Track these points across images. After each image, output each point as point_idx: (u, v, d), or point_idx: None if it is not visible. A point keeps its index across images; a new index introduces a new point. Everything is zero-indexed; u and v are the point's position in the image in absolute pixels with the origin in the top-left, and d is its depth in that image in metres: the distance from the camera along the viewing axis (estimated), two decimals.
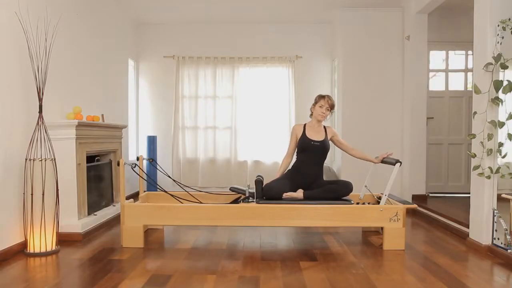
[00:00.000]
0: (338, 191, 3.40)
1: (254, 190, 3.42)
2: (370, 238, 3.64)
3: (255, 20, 6.05)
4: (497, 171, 3.13)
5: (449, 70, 5.62)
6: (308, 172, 3.53)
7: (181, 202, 3.58)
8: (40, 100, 3.13)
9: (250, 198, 3.47)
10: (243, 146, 6.21)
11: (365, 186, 3.80)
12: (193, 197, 3.83)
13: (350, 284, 2.52)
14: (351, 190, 3.44)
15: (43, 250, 3.08)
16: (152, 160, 4.11)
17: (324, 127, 3.68)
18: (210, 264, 2.89)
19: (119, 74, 5.38)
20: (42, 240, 3.07)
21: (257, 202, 3.32)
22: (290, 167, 3.70)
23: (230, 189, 3.59)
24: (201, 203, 3.67)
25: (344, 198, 3.41)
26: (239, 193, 3.54)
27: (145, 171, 5.92)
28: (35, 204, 3.06)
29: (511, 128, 3.06)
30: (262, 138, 6.18)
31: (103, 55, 4.81)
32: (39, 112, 3.13)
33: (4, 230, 3.00)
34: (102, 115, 4.44)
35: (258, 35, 6.22)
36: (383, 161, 3.56)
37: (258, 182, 3.40)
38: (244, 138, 6.21)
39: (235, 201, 3.61)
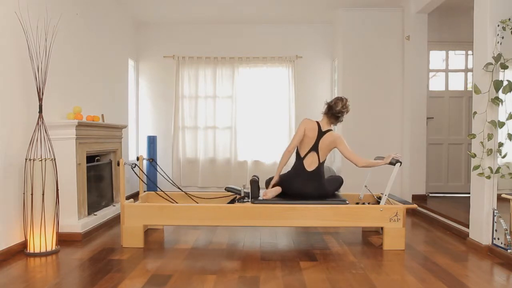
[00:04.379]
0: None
1: (249, 190, 3.42)
2: (370, 238, 3.64)
3: (255, 20, 6.05)
4: (497, 171, 3.13)
5: (449, 70, 5.62)
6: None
7: (176, 202, 3.61)
8: (40, 100, 3.13)
9: (246, 198, 3.47)
10: (243, 146, 6.21)
11: (365, 186, 3.80)
12: (190, 196, 3.86)
13: (350, 284, 2.52)
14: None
15: (43, 250, 3.08)
16: (152, 160, 4.11)
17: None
18: (210, 264, 2.89)
19: (119, 74, 5.39)
20: (42, 240, 3.07)
21: (252, 202, 3.32)
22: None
23: (225, 189, 3.58)
24: (197, 203, 3.69)
25: (338, 198, 3.40)
26: (235, 193, 3.53)
27: (145, 171, 5.93)
28: (35, 204, 3.06)
29: (511, 128, 3.06)
30: (262, 138, 6.19)
31: (103, 55, 4.81)
32: (39, 112, 3.13)
33: (4, 230, 3.00)
34: (102, 115, 4.45)
35: (258, 35, 6.22)
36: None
37: (254, 182, 3.39)
38: (244, 138, 6.21)
39: (233, 201, 3.61)
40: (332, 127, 3.53)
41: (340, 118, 3.49)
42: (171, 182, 3.94)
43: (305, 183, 3.38)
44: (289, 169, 3.57)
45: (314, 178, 3.39)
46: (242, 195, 3.49)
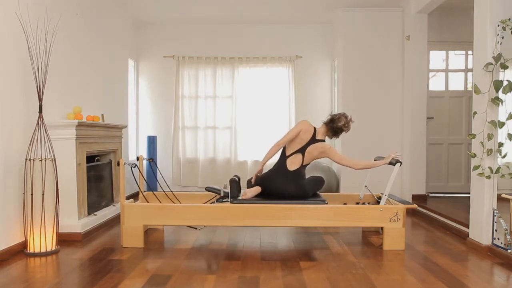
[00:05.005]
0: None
1: (229, 190, 3.42)
2: (370, 238, 3.64)
3: (255, 20, 6.05)
4: (497, 171, 3.13)
5: (449, 70, 5.62)
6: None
7: (160, 202, 3.69)
8: (40, 100, 3.13)
9: (225, 198, 3.47)
10: (243, 146, 6.21)
11: (365, 186, 3.80)
12: (175, 197, 3.89)
13: (350, 284, 2.52)
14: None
15: (43, 250, 3.08)
16: (152, 160, 4.11)
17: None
18: (210, 264, 2.89)
19: (119, 74, 5.38)
20: (42, 240, 3.07)
21: (231, 202, 3.33)
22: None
23: (205, 189, 3.59)
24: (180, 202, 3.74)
25: (319, 198, 3.39)
26: (215, 193, 3.54)
27: (145, 171, 5.94)
28: (35, 204, 3.06)
29: (511, 128, 3.06)
30: (262, 138, 6.19)
31: (103, 55, 4.81)
32: (39, 112, 3.13)
33: (4, 230, 3.00)
34: (102, 115, 4.45)
35: (258, 35, 6.22)
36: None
37: (233, 182, 3.39)
38: (244, 138, 6.21)
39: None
40: (326, 139, 3.51)
41: (338, 134, 3.45)
42: (160, 183, 3.96)
43: (285, 182, 3.38)
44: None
45: (294, 177, 3.40)
46: (222, 195, 3.50)
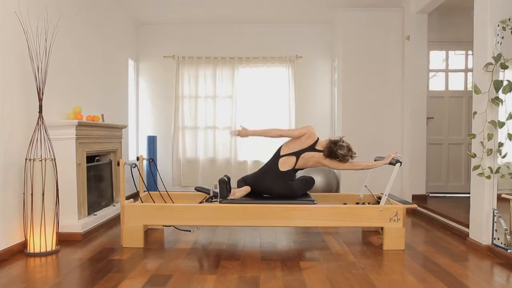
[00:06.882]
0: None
1: (218, 190, 3.42)
2: (370, 238, 3.64)
3: (255, 20, 6.05)
4: (497, 171, 3.13)
5: (449, 70, 5.62)
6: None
7: (154, 201, 3.72)
8: (40, 100, 3.13)
9: (214, 198, 3.47)
10: (243, 146, 6.21)
11: (365, 186, 3.80)
12: (170, 197, 3.89)
13: (350, 284, 2.52)
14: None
15: (43, 250, 3.08)
16: (152, 160, 4.11)
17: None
18: (210, 264, 2.89)
19: (119, 74, 5.39)
20: (42, 240, 3.07)
21: (220, 202, 3.33)
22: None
23: (195, 189, 3.60)
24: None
25: (308, 198, 3.38)
26: (204, 192, 3.53)
27: (145, 171, 5.94)
28: (35, 204, 3.06)
29: (511, 128, 3.06)
30: (262, 138, 6.18)
31: (103, 55, 4.81)
32: (39, 112, 3.13)
33: (4, 230, 3.00)
34: (102, 115, 4.45)
35: (258, 35, 6.22)
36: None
37: (222, 182, 3.40)
38: (244, 138, 6.21)
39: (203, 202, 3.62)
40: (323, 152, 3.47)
41: (331, 157, 3.35)
42: (158, 183, 3.95)
43: (274, 181, 3.39)
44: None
45: (283, 177, 3.40)
46: (211, 194, 3.50)
